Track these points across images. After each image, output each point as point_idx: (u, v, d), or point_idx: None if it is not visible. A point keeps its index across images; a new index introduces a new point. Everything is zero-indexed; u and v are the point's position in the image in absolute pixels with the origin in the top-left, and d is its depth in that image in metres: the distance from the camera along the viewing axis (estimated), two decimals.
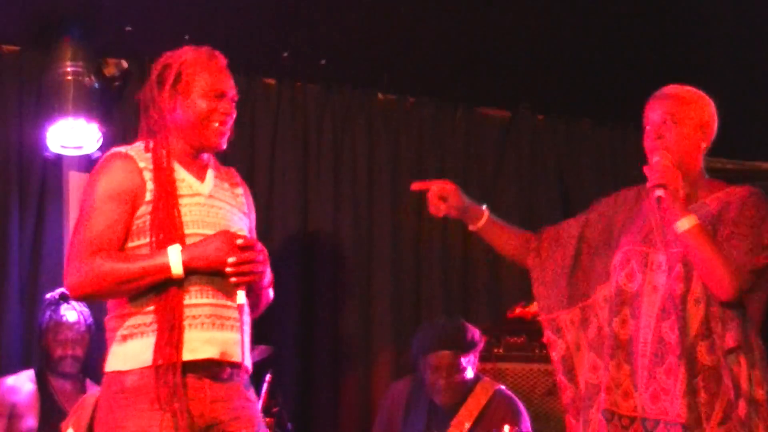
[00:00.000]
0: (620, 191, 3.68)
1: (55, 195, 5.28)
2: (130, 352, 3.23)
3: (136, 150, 3.36)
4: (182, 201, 3.30)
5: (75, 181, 5.37)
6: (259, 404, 4.73)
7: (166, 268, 3.19)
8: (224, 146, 3.42)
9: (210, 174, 3.43)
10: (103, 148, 5.19)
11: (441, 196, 3.68)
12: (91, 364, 4.99)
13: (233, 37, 5.18)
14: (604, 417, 3.48)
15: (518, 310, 5.35)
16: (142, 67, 5.45)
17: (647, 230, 3.48)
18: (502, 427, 4.21)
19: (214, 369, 3.24)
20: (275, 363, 4.92)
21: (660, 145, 3.44)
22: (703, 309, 3.36)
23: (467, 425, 4.61)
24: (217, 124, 3.36)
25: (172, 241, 3.22)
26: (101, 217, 3.25)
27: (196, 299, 3.24)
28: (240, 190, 3.53)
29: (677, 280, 3.39)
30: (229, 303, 3.27)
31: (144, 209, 3.27)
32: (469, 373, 4.68)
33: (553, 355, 3.69)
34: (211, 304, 3.25)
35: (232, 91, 3.41)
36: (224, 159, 5.45)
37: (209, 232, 3.28)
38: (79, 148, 5.19)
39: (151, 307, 3.22)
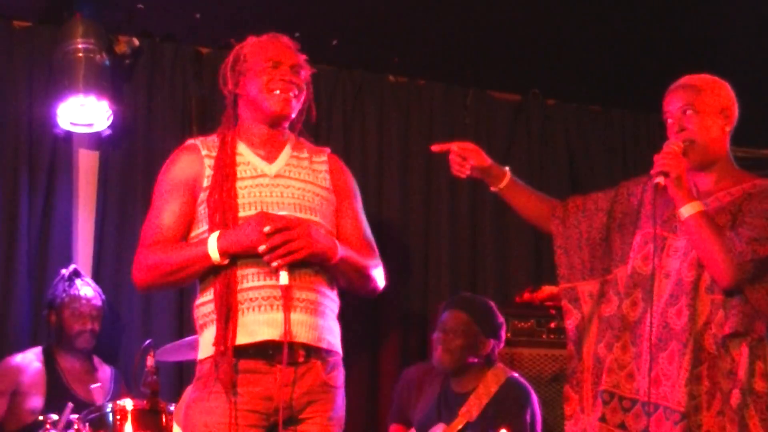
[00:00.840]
0: None
1: (64, 172, 5.27)
2: (204, 341, 3.32)
3: (208, 138, 3.46)
4: (241, 183, 3.35)
5: (84, 158, 5.38)
6: None
7: (206, 256, 3.25)
8: (292, 114, 3.45)
9: (285, 152, 3.47)
10: (113, 125, 5.20)
11: (462, 156, 3.71)
12: (101, 341, 5.01)
13: (244, 16, 5.18)
14: (602, 399, 3.49)
15: (526, 295, 5.35)
16: (152, 44, 5.47)
17: (668, 215, 3.48)
18: (499, 430, 4.22)
19: (282, 352, 3.23)
20: None
21: (683, 137, 3.44)
22: (712, 296, 3.36)
23: (475, 413, 4.58)
24: (278, 92, 3.40)
25: (225, 226, 3.27)
26: (162, 210, 3.35)
27: (254, 282, 3.27)
28: (323, 167, 3.51)
29: (690, 267, 3.39)
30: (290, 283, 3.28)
31: (203, 196, 3.35)
32: (473, 353, 4.66)
33: (567, 323, 3.71)
34: (269, 286, 3.27)
35: (290, 60, 3.45)
36: None
37: (271, 212, 3.30)
38: (90, 125, 5.19)
39: (212, 296, 3.28)
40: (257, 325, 3.24)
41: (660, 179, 3.38)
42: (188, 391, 3.63)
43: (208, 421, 3.22)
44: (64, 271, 4.94)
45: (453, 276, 5.87)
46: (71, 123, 5.15)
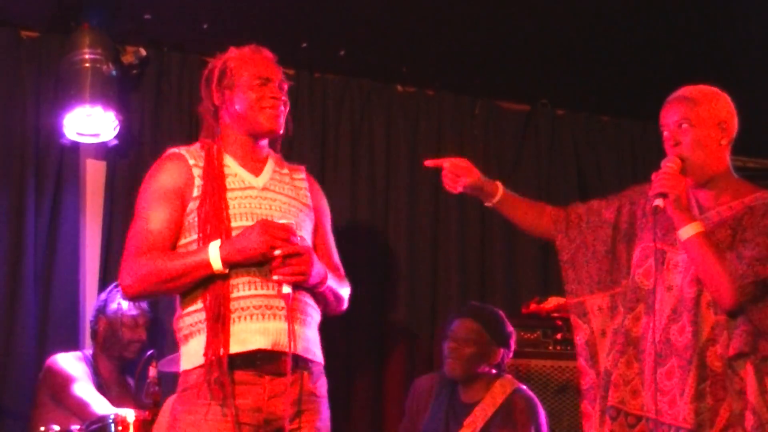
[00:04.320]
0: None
1: (71, 182, 5.27)
2: (191, 350, 3.31)
3: (191, 149, 3.47)
4: (231, 194, 3.36)
5: (91, 168, 5.37)
6: None
7: (207, 264, 3.24)
8: (281, 130, 3.50)
9: (269, 166, 3.49)
10: (120, 135, 5.19)
11: (455, 173, 3.71)
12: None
13: (252, 26, 5.17)
14: (609, 415, 3.46)
15: (533, 306, 5.33)
16: (160, 55, 5.47)
17: (668, 227, 3.44)
18: None
19: (273, 364, 3.25)
20: None
21: (677, 152, 3.40)
22: (714, 313, 3.32)
23: (480, 423, 4.57)
24: (268, 110, 3.43)
25: (217, 235, 3.27)
26: (151, 217, 3.34)
27: (245, 291, 3.27)
28: (304, 184, 3.56)
29: (691, 283, 3.35)
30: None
31: (192, 205, 3.35)
32: (484, 362, 4.63)
33: (576, 339, 3.68)
34: (260, 295, 3.28)
35: (278, 78, 3.50)
36: None
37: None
38: (96, 135, 5.19)
39: (202, 304, 3.27)
40: (249, 333, 3.24)
41: (659, 201, 3.34)
42: (169, 403, 3.61)
43: None
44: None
45: (461, 286, 5.85)
46: (78, 133, 5.15)
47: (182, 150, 3.46)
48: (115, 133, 5.17)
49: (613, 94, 5.97)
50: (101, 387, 4.80)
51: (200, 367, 3.24)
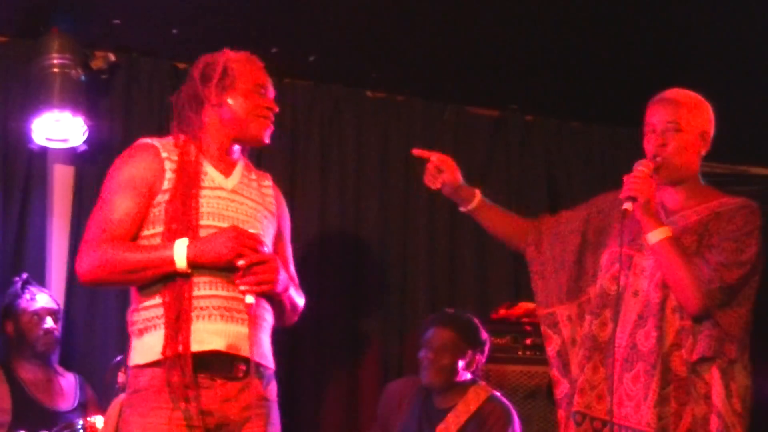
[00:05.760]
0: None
1: (39, 188, 5.23)
2: (146, 345, 3.25)
3: (164, 141, 3.42)
4: (202, 193, 3.33)
5: (60, 174, 5.35)
6: None
7: (170, 261, 3.21)
8: (267, 141, 3.51)
9: (238, 170, 3.48)
10: (89, 141, 5.17)
11: (439, 168, 3.73)
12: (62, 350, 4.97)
13: (221, 31, 5.15)
14: (575, 420, 3.47)
15: (502, 311, 5.33)
16: (129, 60, 5.44)
17: (636, 233, 3.46)
18: None
19: (226, 367, 3.23)
20: None
21: (662, 152, 3.41)
22: (679, 318, 3.34)
23: (453, 429, 4.57)
24: (262, 119, 3.46)
25: (184, 233, 3.25)
26: (116, 205, 3.29)
27: (206, 290, 3.24)
28: (270, 192, 3.57)
29: (656, 288, 3.37)
30: (240, 296, 3.26)
31: (160, 198, 3.31)
32: (461, 369, 4.63)
33: (548, 349, 3.70)
34: (221, 296, 3.25)
35: (271, 89, 3.52)
36: None
37: (226, 225, 3.30)
38: (65, 141, 5.16)
39: (161, 299, 3.23)
40: (206, 334, 3.21)
41: (628, 205, 3.36)
42: (116, 404, 3.57)
43: None
44: (17, 279, 4.88)
45: (431, 292, 5.85)
46: (46, 138, 5.12)
47: (155, 141, 3.41)
48: (84, 138, 5.15)
49: (583, 100, 5.99)
50: (26, 393, 4.74)
51: (154, 364, 3.20)
